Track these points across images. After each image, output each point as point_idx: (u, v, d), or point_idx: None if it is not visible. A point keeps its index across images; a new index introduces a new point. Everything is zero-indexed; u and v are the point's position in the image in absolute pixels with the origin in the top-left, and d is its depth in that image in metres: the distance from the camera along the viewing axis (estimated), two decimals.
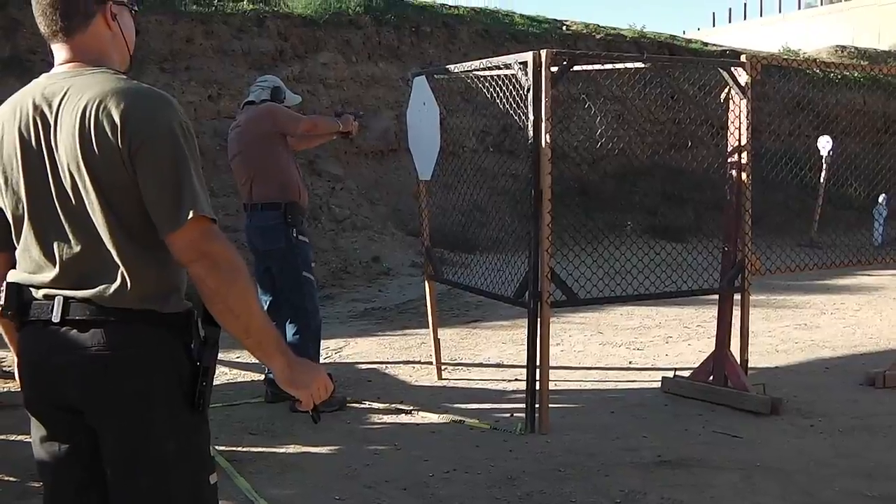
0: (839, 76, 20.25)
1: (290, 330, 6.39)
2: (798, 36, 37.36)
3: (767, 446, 5.64)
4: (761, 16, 48.12)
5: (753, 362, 7.03)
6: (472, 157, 8.83)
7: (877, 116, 19.46)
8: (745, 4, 51.24)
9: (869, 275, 12.64)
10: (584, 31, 20.01)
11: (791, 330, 9.32)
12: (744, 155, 6.41)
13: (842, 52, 24.93)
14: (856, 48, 26.20)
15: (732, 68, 6.47)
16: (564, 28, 19.96)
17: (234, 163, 6.60)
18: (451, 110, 8.09)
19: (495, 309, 9.57)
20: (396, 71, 16.03)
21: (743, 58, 6.56)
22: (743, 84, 6.38)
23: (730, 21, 50.14)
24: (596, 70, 7.71)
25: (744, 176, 6.42)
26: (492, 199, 11.19)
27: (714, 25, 50.62)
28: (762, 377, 6.90)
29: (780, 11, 46.68)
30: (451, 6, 18.51)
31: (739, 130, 6.43)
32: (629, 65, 7.13)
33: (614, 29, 21.08)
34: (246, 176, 6.43)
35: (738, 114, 6.45)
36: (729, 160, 6.56)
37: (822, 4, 47.13)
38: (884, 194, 15.40)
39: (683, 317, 9.80)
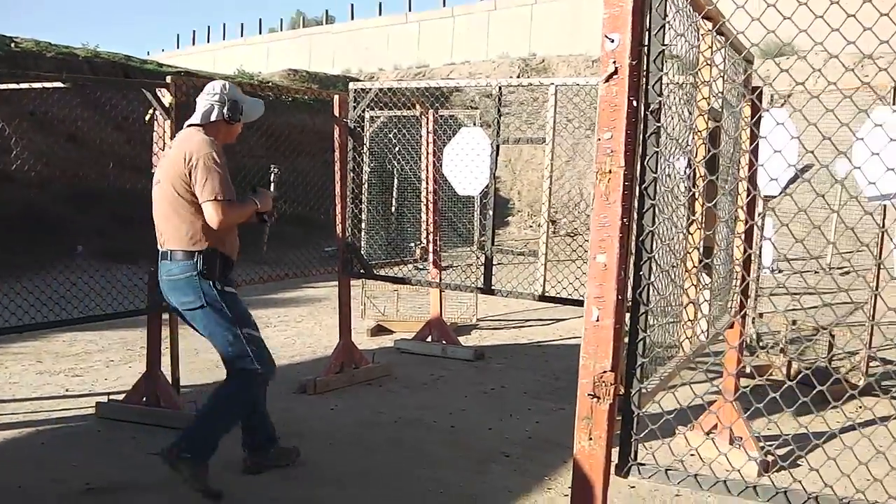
0: (290, 99, 21.15)
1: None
2: (259, 59, 38.63)
3: None
4: (224, 39, 49.22)
5: (192, 380, 7.10)
6: None
7: (324, 136, 20.51)
8: (208, 27, 52.15)
9: (314, 286, 13.31)
10: (36, 49, 19.16)
11: None
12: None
13: (294, 75, 26.05)
14: (307, 72, 27.50)
15: (157, 90, 6.52)
16: (13, 45, 18.97)
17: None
18: None
19: None
20: None
21: (168, 79, 6.61)
22: (167, 105, 6.45)
23: (193, 44, 50.74)
24: (12, 89, 7.37)
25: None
26: None
27: (178, 48, 50.99)
28: (199, 394, 6.96)
29: (241, 35, 48.01)
30: None
31: (164, 150, 6.47)
32: (48, 84, 6.92)
33: (67, 47, 20.41)
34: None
35: (163, 134, 6.51)
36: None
37: (282, 30, 49.13)
38: None
39: (128, 339, 9.64)
